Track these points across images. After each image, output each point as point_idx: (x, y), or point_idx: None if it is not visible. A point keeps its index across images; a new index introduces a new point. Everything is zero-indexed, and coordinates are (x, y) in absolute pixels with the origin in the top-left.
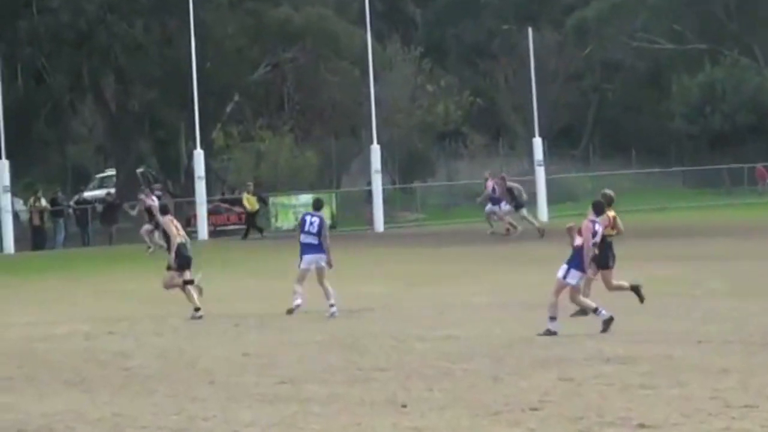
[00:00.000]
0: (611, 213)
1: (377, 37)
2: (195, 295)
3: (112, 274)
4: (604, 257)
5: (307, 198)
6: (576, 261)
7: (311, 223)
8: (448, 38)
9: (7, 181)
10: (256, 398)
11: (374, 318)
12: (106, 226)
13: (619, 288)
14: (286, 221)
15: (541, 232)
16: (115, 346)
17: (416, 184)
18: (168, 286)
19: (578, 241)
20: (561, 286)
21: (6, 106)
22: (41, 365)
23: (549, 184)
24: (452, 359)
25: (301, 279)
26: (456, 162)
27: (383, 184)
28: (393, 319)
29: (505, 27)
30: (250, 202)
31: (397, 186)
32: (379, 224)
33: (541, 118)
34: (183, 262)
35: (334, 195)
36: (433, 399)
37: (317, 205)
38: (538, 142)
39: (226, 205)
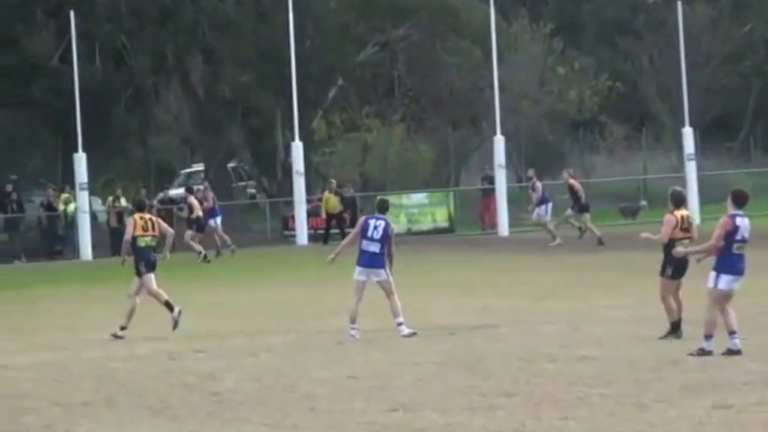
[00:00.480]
0: (683, 212)
1: (502, 12)
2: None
3: (199, 284)
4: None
5: (420, 198)
6: (724, 263)
7: (375, 228)
8: (584, 13)
9: (84, 177)
10: (363, 427)
11: (498, 335)
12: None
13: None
14: (396, 225)
15: (601, 241)
16: (203, 368)
17: (546, 182)
18: (135, 293)
19: (713, 240)
20: (718, 296)
21: (82, 91)
22: (121, 388)
23: (701, 181)
24: (589, 383)
25: (357, 292)
26: (592, 156)
27: (508, 182)
28: (520, 336)
29: (651, 1)
30: (330, 202)
31: (524, 183)
32: (504, 227)
33: (692, 105)
34: (147, 265)
35: (451, 194)
36: (567, 429)
37: (382, 207)
38: (688, 133)
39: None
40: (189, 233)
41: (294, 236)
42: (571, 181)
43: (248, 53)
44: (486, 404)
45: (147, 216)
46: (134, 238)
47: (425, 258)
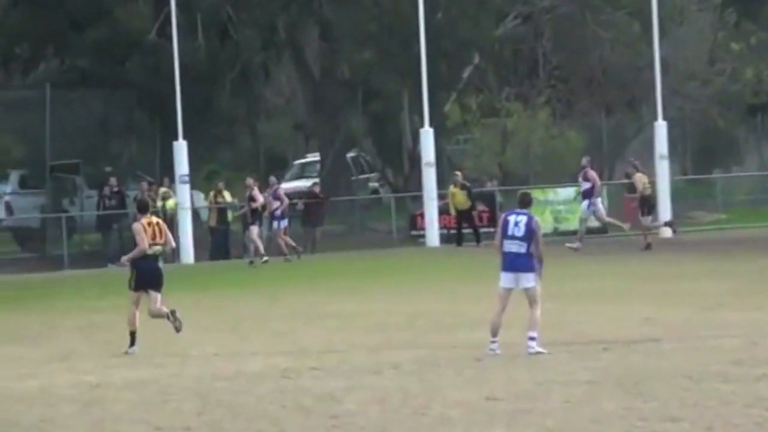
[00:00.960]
0: None
1: None
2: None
3: (315, 291)
4: None
5: (568, 193)
6: None
7: (516, 224)
8: None
9: (184, 169)
10: None
11: (661, 351)
12: (308, 229)
13: None
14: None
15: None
16: (321, 387)
17: (716, 175)
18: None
19: None
20: None
21: (182, 70)
22: (227, 411)
23: None
24: None
25: (500, 301)
26: None
27: (671, 174)
28: (686, 352)
29: None
30: (456, 198)
31: (690, 176)
32: (665, 228)
33: None
34: (143, 281)
35: (604, 189)
36: None
37: (524, 201)
38: None
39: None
40: (254, 230)
41: (423, 237)
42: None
43: (370, 27)
44: (647, 430)
45: (154, 220)
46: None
47: (574, 262)
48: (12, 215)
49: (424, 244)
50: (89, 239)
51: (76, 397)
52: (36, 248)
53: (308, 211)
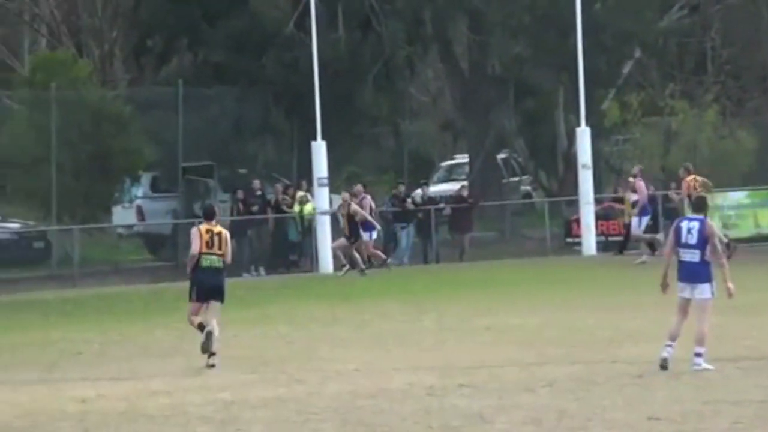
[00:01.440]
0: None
1: None
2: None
3: (463, 303)
4: None
5: (739, 197)
6: None
7: (689, 231)
8: None
9: (323, 171)
10: None
11: None
12: (455, 235)
13: None
14: None
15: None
16: (470, 406)
17: None
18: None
19: None
20: None
21: (321, 66)
22: (368, 431)
23: None
24: None
25: (680, 311)
26: None
27: None
28: None
29: None
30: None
31: None
32: None
33: None
34: (203, 293)
35: None
36: None
37: (699, 206)
38: None
39: (621, 206)
40: (342, 242)
41: (579, 244)
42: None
43: (523, 19)
44: None
45: (216, 228)
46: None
47: (747, 271)
48: (143, 220)
49: (580, 252)
50: None
51: (211, 416)
52: (168, 256)
53: (455, 217)
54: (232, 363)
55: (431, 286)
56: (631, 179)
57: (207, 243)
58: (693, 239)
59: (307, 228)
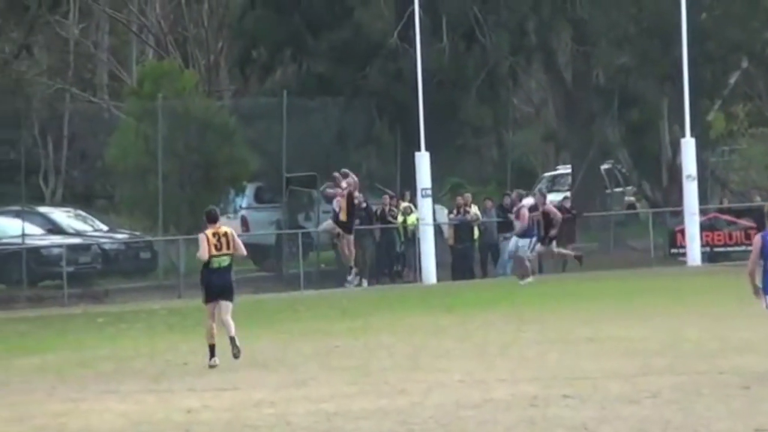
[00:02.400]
0: None
1: None
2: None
3: (566, 314)
4: None
5: None
6: None
7: None
8: None
9: (427, 182)
10: None
11: None
12: (561, 244)
13: None
14: None
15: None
16: (573, 417)
17: None
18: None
19: None
20: None
21: (426, 76)
22: None
23: None
24: None
25: None
26: None
27: None
28: None
29: None
30: None
31: None
32: None
33: None
34: (212, 292)
35: None
36: None
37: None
38: None
39: (727, 218)
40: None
41: (684, 255)
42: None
43: (628, 29)
44: None
45: (221, 230)
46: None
47: None
48: (247, 231)
49: (684, 263)
50: (326, 257)
51: (314, 427)
52: (272, 266)
53: (559, 227)
54: (335, 374)
55: (534, 297)
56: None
57: (215, 246)
58: None
59: (411, 238)
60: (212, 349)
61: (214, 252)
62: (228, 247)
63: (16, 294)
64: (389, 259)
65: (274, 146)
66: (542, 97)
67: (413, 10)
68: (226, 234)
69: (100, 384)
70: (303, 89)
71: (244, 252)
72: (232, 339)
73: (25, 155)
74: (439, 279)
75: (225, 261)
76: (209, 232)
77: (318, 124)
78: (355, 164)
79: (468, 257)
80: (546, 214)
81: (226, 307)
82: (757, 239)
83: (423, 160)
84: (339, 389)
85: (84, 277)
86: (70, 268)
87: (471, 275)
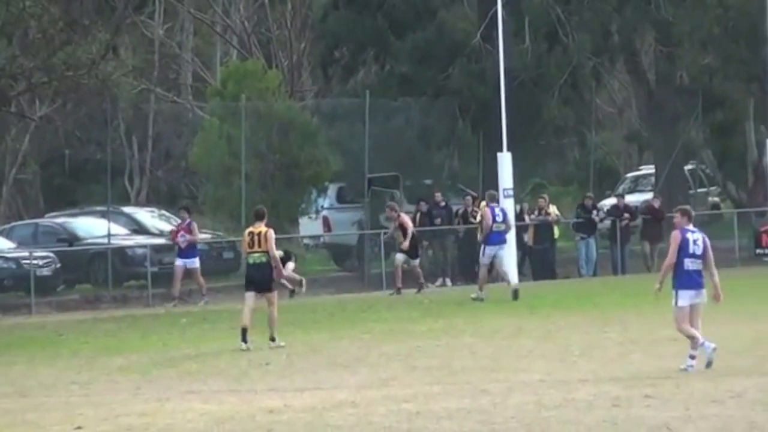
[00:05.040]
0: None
1: None
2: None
3: (648, 314)
4: None
5: None
6: None
7: None
8: None
9: (508, 182)
10: None
11: None
12: (646, 245)
13: None
14: None
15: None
16: (656, 417)
17: None
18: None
19: None
20: None
21: (508, 77)
22: None
23: None
24: None
25: None
26: None
27: None
28: None
29: None
30: None
31: None
32: None
33: None
34: (249, 283)
35: None
36: None
37: None
38: None
39: None
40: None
41: None
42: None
43: (713, 29)
44: None
45: (257, 229)
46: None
47: None
48: (330, 231)
49: None
50: None
51: (395, 426)
52: (353, 266)
53: (646, 227)
54: (416, 374)
55: (617, 297)
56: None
57: (249, 243)
58: None
59: None
60: (244, 332)
61: (248, 249)
62: (260, 245)
63: (102, 294)
64: (471, 260)
65: (357, 146)
66: (625, 97)
67: (496, 11)
68: (259, 233)
69: (183, 384)
70: (385, 89)
71: (272, 252)
72: (272, 339)
73: (111, 155)
74: (522, 280)
75: (261, 258)
76: (248, 230)
77: (400, 124)
78: (438, 164)
79: (548, 258)
80: None
81: (269, 298)
82: (677, 235)
83: (505, 161)
84: (421, 389)
85: (168, 277)
86: (155, 268)
87: (552, 276)
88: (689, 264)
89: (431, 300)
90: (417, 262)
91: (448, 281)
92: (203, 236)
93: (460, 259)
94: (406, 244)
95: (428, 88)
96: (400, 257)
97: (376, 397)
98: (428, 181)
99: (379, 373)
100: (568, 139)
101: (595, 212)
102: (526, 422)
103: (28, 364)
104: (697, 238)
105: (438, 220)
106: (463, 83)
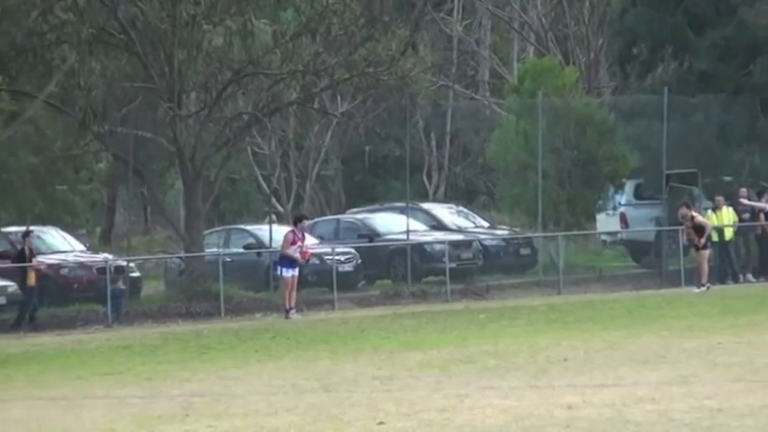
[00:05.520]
0: None
1: None
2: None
3: None
4: None
5: None
6: None
7: None
8: None
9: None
10: None
11: None
12: None
13: None
14: None
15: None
16: None
17: None
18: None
19: None
20: None
21: None
22: None
23: None
24: None
25: None
26: None
27: None
28: None
29: None
30: None
31: None
32: None
33: None
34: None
35: None
36: None
37: None
38: None
39: None
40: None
41: None
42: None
43: None
44: None
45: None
46: None
47: None
48: (627, 227)
49: None
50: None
51: (697, 423)
52: (651, 263)
53: None
54: (717, 370)
55: None
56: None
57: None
58: None
59: None
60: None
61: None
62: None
63: (401, 289)
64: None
65: (654, 143)
66: None
67: None
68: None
69: (482, 380)
70: (684, 86)
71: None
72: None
73: (410, 152)
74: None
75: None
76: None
77: (699, 121)
78: (738, 162)
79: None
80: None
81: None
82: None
83: None
84: (722, 386)
85: (466, 273)
86: (453, 264)
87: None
88: None
89: (734, 297)
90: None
91: (751, 277)
92: (500, 232)
93: (762, 254)
94: (702, 241)
95: (728, 85)
96: (704, 253)
97: (676, 394)
98: (728, 178)
99: (679, 370)
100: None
101: None
102: (697, 426)
103: (331, 359)
104: None
105: (746, 215)
106: (765, 80)
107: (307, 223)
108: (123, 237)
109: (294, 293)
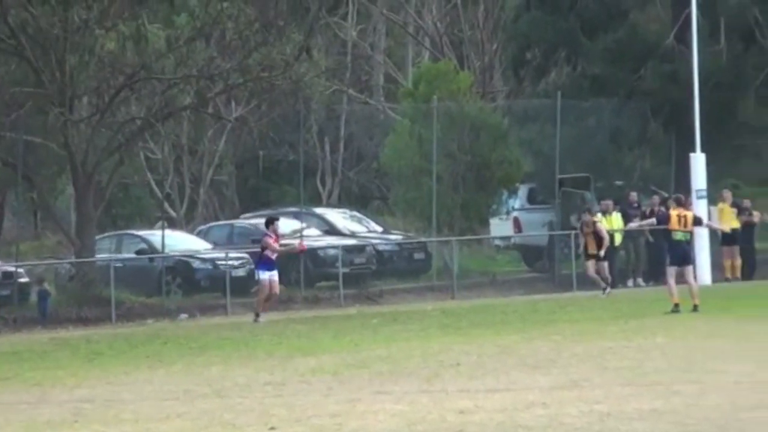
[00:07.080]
0: None
1: None
2: None
3: None
4: None
5: None
6: None
7: None
8: None
9: (702, 183)
10: None
11: None
12: None
13: None
14: None
15: None
16: None
17: None
18: None
19: None
20: None
21: (702, 78)
22: None
23: None
24: None
25: None
26: None
27: None
28: None
29: None
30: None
31: None
32: None
33: None
34: None
35: None
36: None
37: None
38: None
39: None
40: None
41: None
42: None
43: None
44: None
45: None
46: None
47: None
48: (520, 232)
49: None
50: None
51: (587, 428)
52: (544, 267)
53: None
54: (608, 375)
55: None
56: None
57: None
58: None
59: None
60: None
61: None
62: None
63: (294, 294)
64: (661, 260)
65: (548, 147)
66: None
67: (690, 12)
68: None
69: (375, 384)
70: (577, 91)
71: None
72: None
73: (304, 156)
74: (714, 280)
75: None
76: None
77: (592, 125)
78: (629, 166)
79: (748, 259)
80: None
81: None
82: None
83: (698, 162)
84: (612, 390)
85: (359, 278)
86: (346, 269)
87: (749, 276)
88: None
89: (622, 301)
90: (606, 264)
91: (640, 281)
92: (394, 237)
93: (651, 260)
94: (601, 253)
95: (620, 90)
96: (589, 264)
97: (567, 398)
98: (619, 182)
99: (570, 374)
100: (765, 140)
101: None
102: (721, 424)
103: (224, 364)
104: None
105: (635, 220)
106: (656, 84)
107: (277, 223)
108: (12, 242)
109: (273, 295)
